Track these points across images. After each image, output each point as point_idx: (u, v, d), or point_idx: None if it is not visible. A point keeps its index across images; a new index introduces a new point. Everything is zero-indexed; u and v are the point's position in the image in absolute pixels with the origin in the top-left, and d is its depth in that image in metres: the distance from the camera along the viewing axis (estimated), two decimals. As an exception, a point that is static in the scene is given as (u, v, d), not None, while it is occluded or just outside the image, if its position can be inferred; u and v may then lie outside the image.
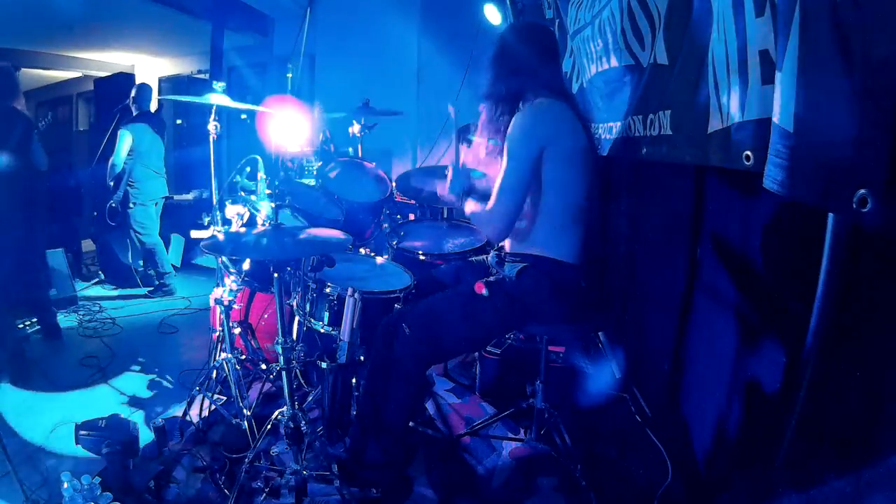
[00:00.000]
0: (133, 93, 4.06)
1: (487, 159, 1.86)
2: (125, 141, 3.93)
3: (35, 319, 3.11)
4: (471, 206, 1.79)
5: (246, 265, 2.21)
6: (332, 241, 1.71)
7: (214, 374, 2.23)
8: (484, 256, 2.03)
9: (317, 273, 1.85)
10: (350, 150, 2.97)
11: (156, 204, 4.14)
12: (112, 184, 4.03)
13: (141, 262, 4.18)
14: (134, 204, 3.98)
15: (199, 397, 2.19)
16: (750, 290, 1.53)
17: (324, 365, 1.94)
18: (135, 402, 2.45)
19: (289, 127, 2.78)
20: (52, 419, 2.24)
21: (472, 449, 2.08)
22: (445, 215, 2.73)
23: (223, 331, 2.17)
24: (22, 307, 2.91)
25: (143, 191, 4.03)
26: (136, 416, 2.28)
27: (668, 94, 1.56)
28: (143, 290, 4.14)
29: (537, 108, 1.66)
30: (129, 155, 3.93)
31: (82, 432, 1.80)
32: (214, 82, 2.28)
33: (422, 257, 2.27)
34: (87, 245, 4.83)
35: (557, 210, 1.65)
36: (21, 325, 3.10)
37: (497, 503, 1.89)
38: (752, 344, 1.49)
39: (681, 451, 1.84)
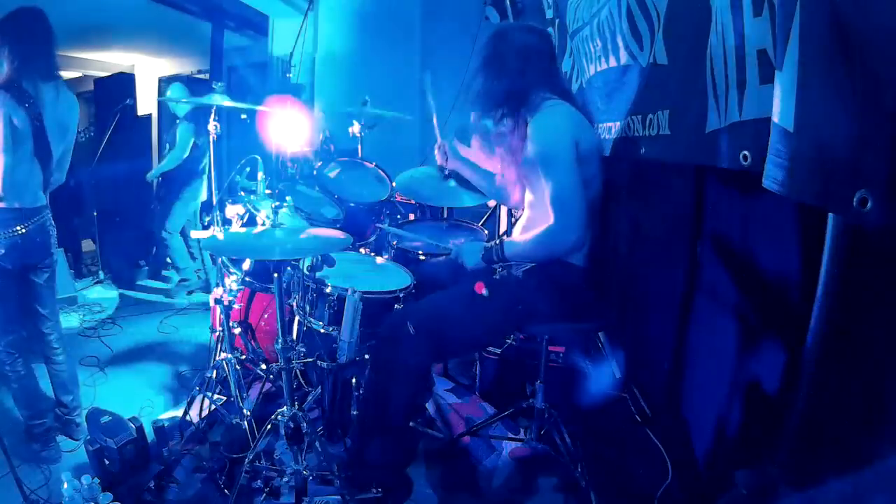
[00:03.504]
0: (168, 93, 3.97)
1: (489, 162, 1.85)
2: (189, 133, 3.81)
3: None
4: (516, 246, 1.67)
5: (246, 265, 2.22)
6: (332, 241, 1.71)
7: (214, 374, 2.22)
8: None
9: (316, 273, 1.85)
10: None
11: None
12: (161, 179, 3.95)
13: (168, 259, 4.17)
14: (176, 200, 3.95)
15: (199, 397, 2.19)
16: (750, 290, 1.53)
17: (324, 365, 1.94)
18: (135, 402, 2.45)
19: (289, 127, 2.78)
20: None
21: (472, 449, 2.08)
22: (445, 215, 2.73)
23: (223, 331, 2.17)
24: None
25: (188, 189, 3.97)
26: (136, 416, 2.28)
27: (667, 94, 1.56)
28: (169, 286, 4.11)
29: (557, 108, 1.65)
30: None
31: (104, 419, 1.89)
32: (214, 82, 2.28)
33: (422, 257, 2.27)
34: (87, 245, 4.84)
35: None
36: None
37: (497, 503, 1.89)
38: (752, 344, 1.49)
39: (681, 451, 1.84)
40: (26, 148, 1.89)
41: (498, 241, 1.70)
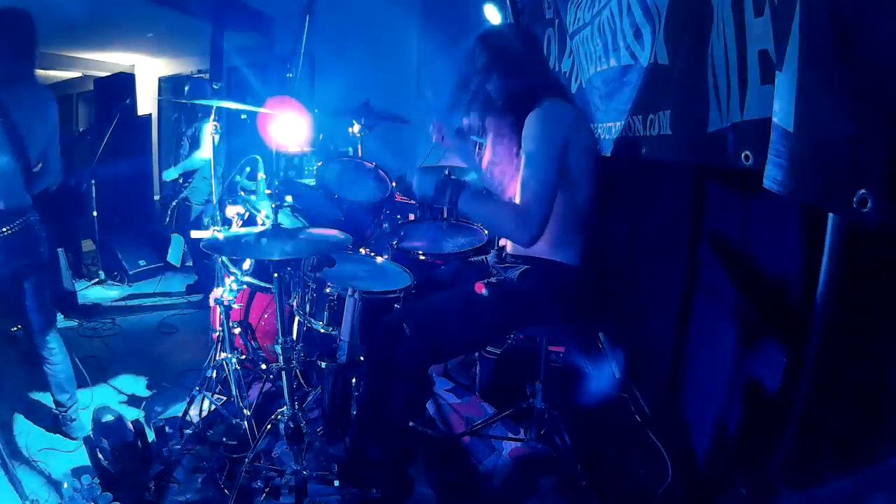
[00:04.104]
0: (187, 88, 3.88)
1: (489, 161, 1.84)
2: (212, 134, 3.76)
3: (20, 326, 3.09)
4: (477, 203, 1.63)
5: (246, 265, 2.22)
6: (332, 241, 1.71)
7: (214, 374, 2.23)
8: (483, 256, 2.03)
9: (316, 273, 1.85)
10: (350, 149, 2.96)
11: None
12: (181, 179, 3.87)
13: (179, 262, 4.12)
14: (191, 203, 3.90)
15: (199, 397, 2.19)
16: (750, 290, 1.53)
17: (324, 365, 1.94)
18: (135, 402, 2.45)
19: (289, 127, 2.78)
20: (53, 419, 2.24)
21: (472, 449, 2.08)
22: (445, 215, 2.73)
23: (223, 331, 2.17)
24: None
25: (201, 191, 3.91)
26: (137, 416, 2.28)
27: (668, 94, 1.55)
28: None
29: (554, 106, 1.63)
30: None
31: (105, 418, 1.88)
32: (214, 83, 2.28)
33: (422, 257, 2.27)
34: (87, 245, 4.83)
35: (563, 211, 1.63)
36: (14, 329, 3.09)
37: (497, 503, 1.89)
38: (752, 344, 1.48)
39: (681, 451, 1.84)
40: (3, 150, 1.88)
41: (456, 188, 1.63)
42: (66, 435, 2.17)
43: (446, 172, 2.26)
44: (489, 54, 1.71)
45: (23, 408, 2.38)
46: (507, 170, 1.77)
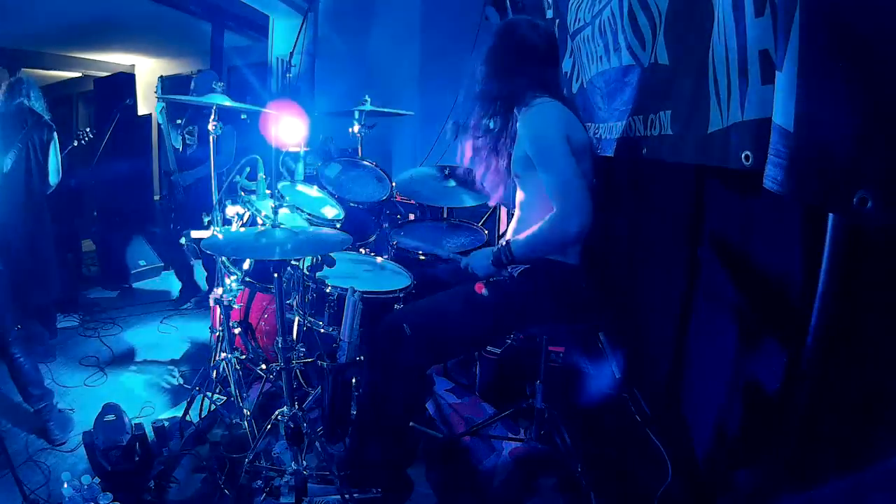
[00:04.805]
0: (193, 85, 3.74)
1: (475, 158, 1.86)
2: (233, 139, 3.65)
3: (20, 326, 3.08)
4: (522, 242, 1.64)
5: (246, 265, 2.22)
6: (332, 241, 1.71)
7: (214, 374, 2.23)
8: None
9: (316, 273, 1.85)
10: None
11: None
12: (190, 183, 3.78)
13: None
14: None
15: (199, 397, 2.19)
16: (750, 290, 1.53)
17: (324, 365, 1.94)
18: (135, 402, 2.45)
19: (289, 127, 2.78)
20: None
21: (472, 449, 2.08)
22: (445, 215, 2.73)
23: (223, 331, 2.17)
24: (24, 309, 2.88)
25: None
26: (137, 416, 2.28)
27: (669, 94, 1.55)
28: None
29: (547, 104, 1.66)
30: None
31: (105, 418, 1.89)
32: (214, 82, 2.28)
33: (422, 257, 2.26)
34: (87, 245, 4.84)
35: None
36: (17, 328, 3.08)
37: (497, 503, 1.89)
38: (752, 344, 1.48)
39: (681, 451, 1.84)
40: None
41: (504, 243, 1.69)
42: (46, 438, 2.15)
43: (446, 172, 2.28)
44: (493, 50, 1.73)
45: (24, 408, 2.38)
46: (491, 168, 1.79)
